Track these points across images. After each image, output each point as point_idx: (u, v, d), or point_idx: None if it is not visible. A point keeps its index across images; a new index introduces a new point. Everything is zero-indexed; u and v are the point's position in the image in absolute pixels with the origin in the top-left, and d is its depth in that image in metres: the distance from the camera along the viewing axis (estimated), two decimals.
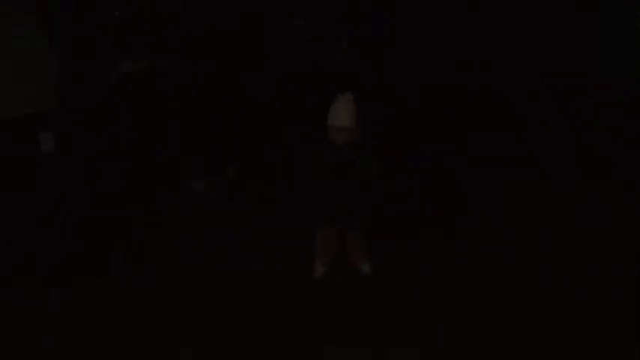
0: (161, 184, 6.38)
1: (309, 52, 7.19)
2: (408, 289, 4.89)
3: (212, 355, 4.36)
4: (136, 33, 6.52)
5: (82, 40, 6.10)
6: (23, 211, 5.53)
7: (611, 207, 5.53)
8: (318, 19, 7.24)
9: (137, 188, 6.26)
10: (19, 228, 5.43)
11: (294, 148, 6.52)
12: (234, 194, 6.35)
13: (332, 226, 5.06)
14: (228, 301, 4.85)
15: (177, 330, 4.57)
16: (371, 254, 5.12)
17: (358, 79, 6.75)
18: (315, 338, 4.47)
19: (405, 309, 4.68)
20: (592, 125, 6.42)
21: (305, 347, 4.40)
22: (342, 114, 4.82)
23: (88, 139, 6.13)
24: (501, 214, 5.66)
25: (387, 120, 6.61)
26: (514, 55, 6.73)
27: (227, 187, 6.50)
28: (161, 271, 5.19)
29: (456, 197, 5.95)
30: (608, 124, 6.40)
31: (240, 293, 4.93)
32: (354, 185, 4.87)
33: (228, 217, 5.91)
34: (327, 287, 5.01)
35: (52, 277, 5.05)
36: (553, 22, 6.70)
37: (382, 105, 6.68)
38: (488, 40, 6.77)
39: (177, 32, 6.57)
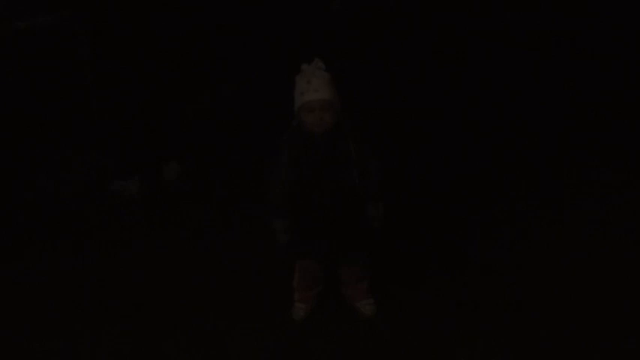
0: (69, 185, 5.05)
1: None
2: (422, 338, 3.88)
3: None
4: None
5: None
6: None
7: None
8: None
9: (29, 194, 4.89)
10: None
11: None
12: (177, 200, 4.96)
13: (316, 257, 3.87)
14: None
15: None
16: (371, 288, 4.06)
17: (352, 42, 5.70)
18: None
19: None
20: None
21: None
22: (317, 85, 3.51)
23: None
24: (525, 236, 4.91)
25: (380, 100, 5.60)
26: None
27: (166, 189, 5.07)
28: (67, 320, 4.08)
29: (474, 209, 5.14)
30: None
31: (187, 347, 3.83)
32: (346, 194, 3.64)
33: (168, 234, 4.67)
34: (311, 334, 3.95)
35: None
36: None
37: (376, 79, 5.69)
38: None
39: None
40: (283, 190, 3.68)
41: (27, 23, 5.19)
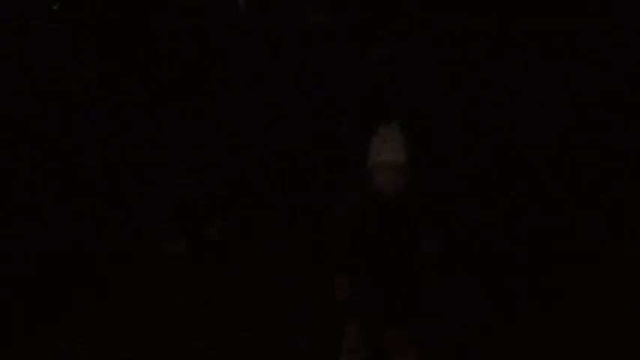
0: (120, 245, 5.00)
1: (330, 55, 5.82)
2: None
3: None
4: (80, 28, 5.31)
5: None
6: None
7: None
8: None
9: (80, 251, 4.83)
10: None
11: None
12: (224, 260, 4.85)
13: (370, 321, 3.78)
14: None
15: None
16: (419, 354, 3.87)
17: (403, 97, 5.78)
18: None
19: None
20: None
21: None
22: (392, 146, 3.57)
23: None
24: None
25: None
26: None
27: (212, 249, 4.98)
28: None
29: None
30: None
31: None
32: (406, 256, 3.62)
33: (216, 295, 4.48)
34: None
35: None
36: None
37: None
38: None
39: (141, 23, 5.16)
40: (348, 247, 3.66)
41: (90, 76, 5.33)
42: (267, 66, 6.29)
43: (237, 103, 6.19)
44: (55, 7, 5.19)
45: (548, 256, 4.80)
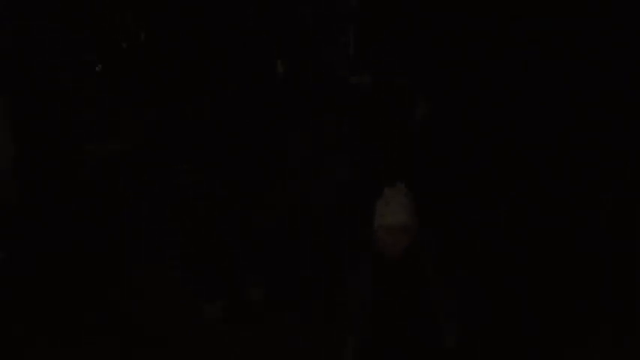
0: (156, 307, 4.81)
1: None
2: None
3: None
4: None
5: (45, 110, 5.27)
6: None
7: None
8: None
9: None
10: None
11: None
12: (262, 324, 4.62)
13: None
14: None
15: None
16: None
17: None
18: None
19: None
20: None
21: None
22: (395, 208, 3.57)
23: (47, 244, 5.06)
24: None
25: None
26: None
27: (250, 313, 4.77)
28: None
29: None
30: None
31: None
32: (419, 314, 3.62)
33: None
34: None
35: None
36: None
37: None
38: None
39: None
40: (360, 309, 3.65)
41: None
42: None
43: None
44: (97, 69, 5.33)
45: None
